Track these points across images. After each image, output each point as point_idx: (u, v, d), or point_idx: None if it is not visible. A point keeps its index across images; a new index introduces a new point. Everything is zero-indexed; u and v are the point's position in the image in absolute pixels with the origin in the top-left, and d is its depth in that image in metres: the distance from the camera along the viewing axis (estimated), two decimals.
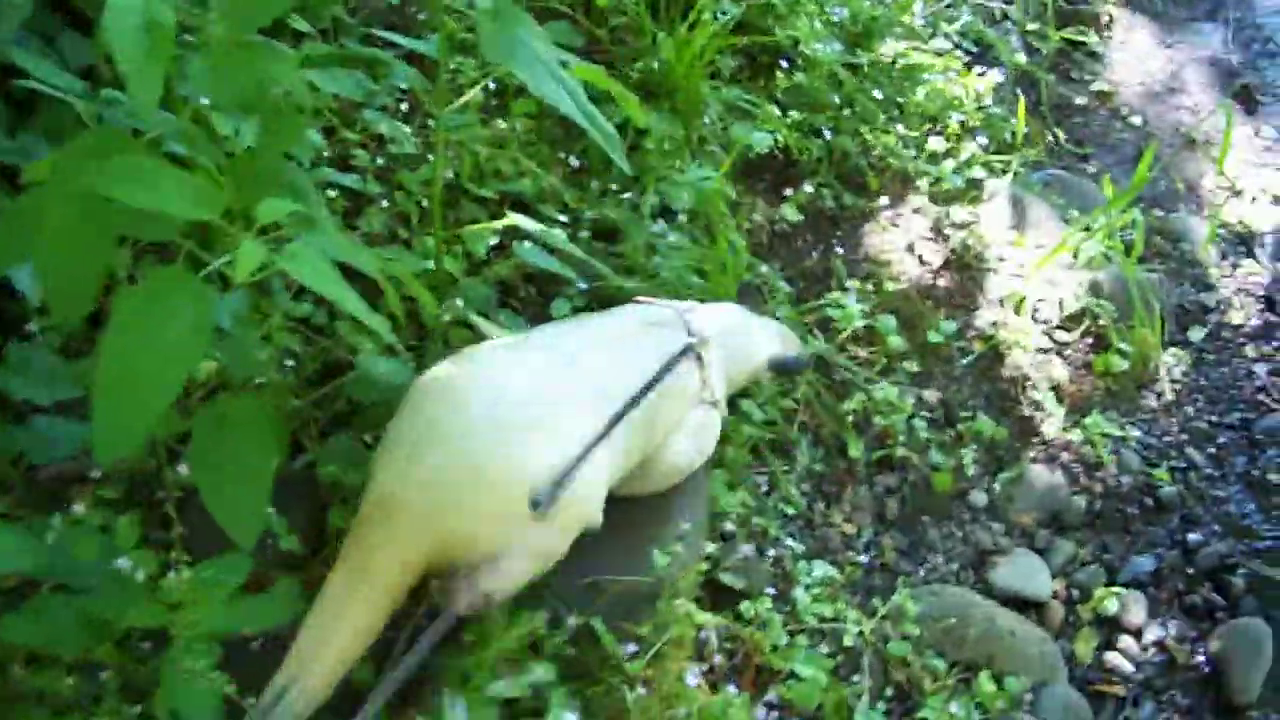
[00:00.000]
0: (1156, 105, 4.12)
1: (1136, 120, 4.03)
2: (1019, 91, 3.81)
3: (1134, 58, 4.32)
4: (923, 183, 3.18)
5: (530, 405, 1.63)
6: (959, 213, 3.20)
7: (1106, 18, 4.38)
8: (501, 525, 1.58)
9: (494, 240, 2.28)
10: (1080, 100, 4.01)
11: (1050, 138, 3.79)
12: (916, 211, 3.20)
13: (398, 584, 1.53)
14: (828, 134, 3.00)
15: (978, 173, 3.24)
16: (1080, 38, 4.17)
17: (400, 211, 2.30)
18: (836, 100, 3.02)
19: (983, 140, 3.33)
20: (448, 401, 1.62)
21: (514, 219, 2.05)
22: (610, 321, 1.96)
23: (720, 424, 2.06)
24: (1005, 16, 4.00)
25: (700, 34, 2.71)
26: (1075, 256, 3.08)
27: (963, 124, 3.27)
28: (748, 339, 2.18)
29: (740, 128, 2.79)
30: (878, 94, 3.00)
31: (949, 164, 3.18)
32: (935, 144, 3.17)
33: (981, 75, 3.50)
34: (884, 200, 3.09)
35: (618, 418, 1.71)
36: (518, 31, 1.61)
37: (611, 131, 1.81)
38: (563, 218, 2.44)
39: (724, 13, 2.82)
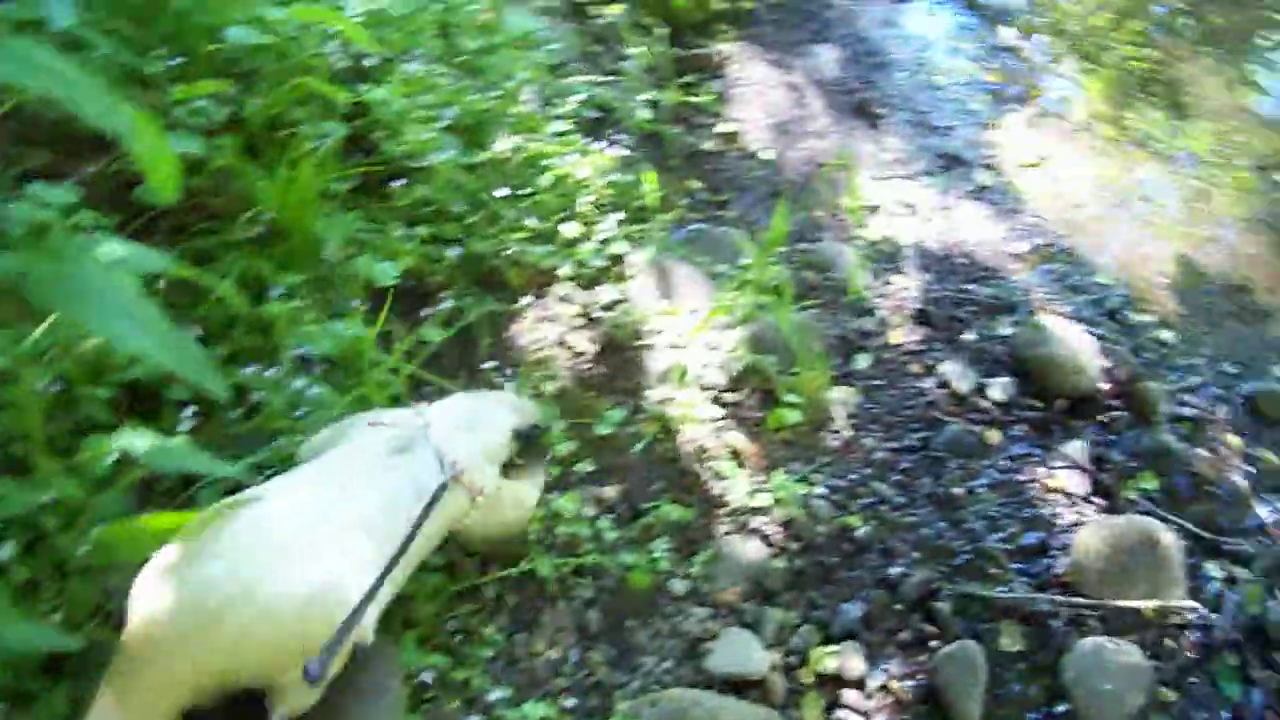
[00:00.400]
0: (784, 136, 4.66)
1: (768, 155, 4.53)
2: (647, 153, 4.18)
3: (755, 91, 4.86)
4: (564, 270, 3.45)
5: (298, 534, 1.93)
6: (606, 293, 3.48)
7: (721, 57, 4.87)
8: (270, 651, 1.83)
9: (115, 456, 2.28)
10: (709, 145, 4.45)
11: (686, 193, 4.17)
12: (563, 300, 3.45)
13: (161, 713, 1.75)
14: (458, 247, 3.19)
15: (619, 248, 3.54)
16: (699, 82, 4.64)
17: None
18: (462, 206, 3.23)
19: (619, 215, 3.64)
20: (214, 533, 1.89)
21: (127, 438, 2.07)
22: (358, 452, 2.30)
23: (522, 492, 2.73)
24: (618, 74, 4.39)
25: (304, 170, 2.83)
26: (729, 314, 3.42)
27: (594, 202, 3.55)
28: (490, 423, 2.63)
29: (364, 260, 2.93)
30: (503, 191, 3.23)
31: (587, 246, 3.46)
32: (570, 229, 3.44)
33: (605, 147, 3.84)
34: (527, 298, 3.31)
35: (387, 569, 2.08)
36: (80, 269, 1.61)
37: (198, 357, 1.87)
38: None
39: (325, 136, 2.95)
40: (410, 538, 2.18)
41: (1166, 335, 4.45)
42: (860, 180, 4.50)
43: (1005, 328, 4.21)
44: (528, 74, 3.63)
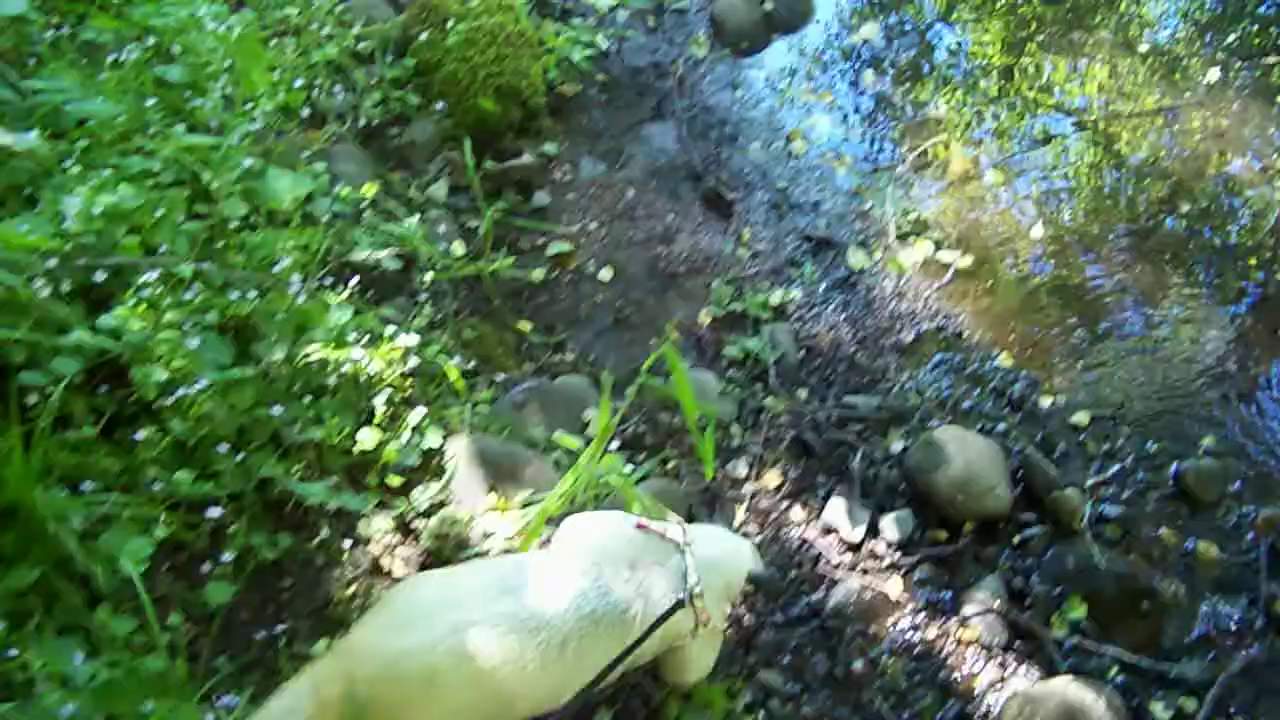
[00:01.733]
0: (624, 248, 4.49)
1: (606, 275, 4.29)
2: (465, 299, 3.93)
3: (588, 196, 4.64)
4: (370, 480, 3.16)
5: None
6: (424, 495, 3.20)
7: (545, 161, 4.63)
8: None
9: None
10: (538, 274, 4.22)
11: (516, 341, 3.92)
12: (380, 508, 3.16)
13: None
14: (236, 480, 2.91)
15: (432, 439, 3.26)
16: (523, 197, 4.40)
17: None
18: (235, 429, 2.94)
19: (424, 404, 3.38)
20: (414, 602, 2.50)
21: None
22: (612, 556, 2.74)
23: (718, 643, 3.03)
24: (425, 205, 4.12)
25: (12, 436, 2.52)
26: (571, 501, 3.16)
27: (393, 395, 3.28)
28: (735, 565, 2.96)
29: (112, 536, 2.63)
30: (278, 410, 2.94)
31: (394, 446, 3.17)
32: (367, 436, 3.15)
33: (409, 310, 3.57)
34: (325, 531, 3.01)
35: (615, 661, 2.57)
36: None
37: None
38: None
39: (56, 381, 2.64)
40: (640, 639, 2.61)
41: (1079, 418, 4.30)
42: (717, 287, 4.27)
43: (897, 442, 4.00)
44: (294, 255, 3.32)
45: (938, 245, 4.87)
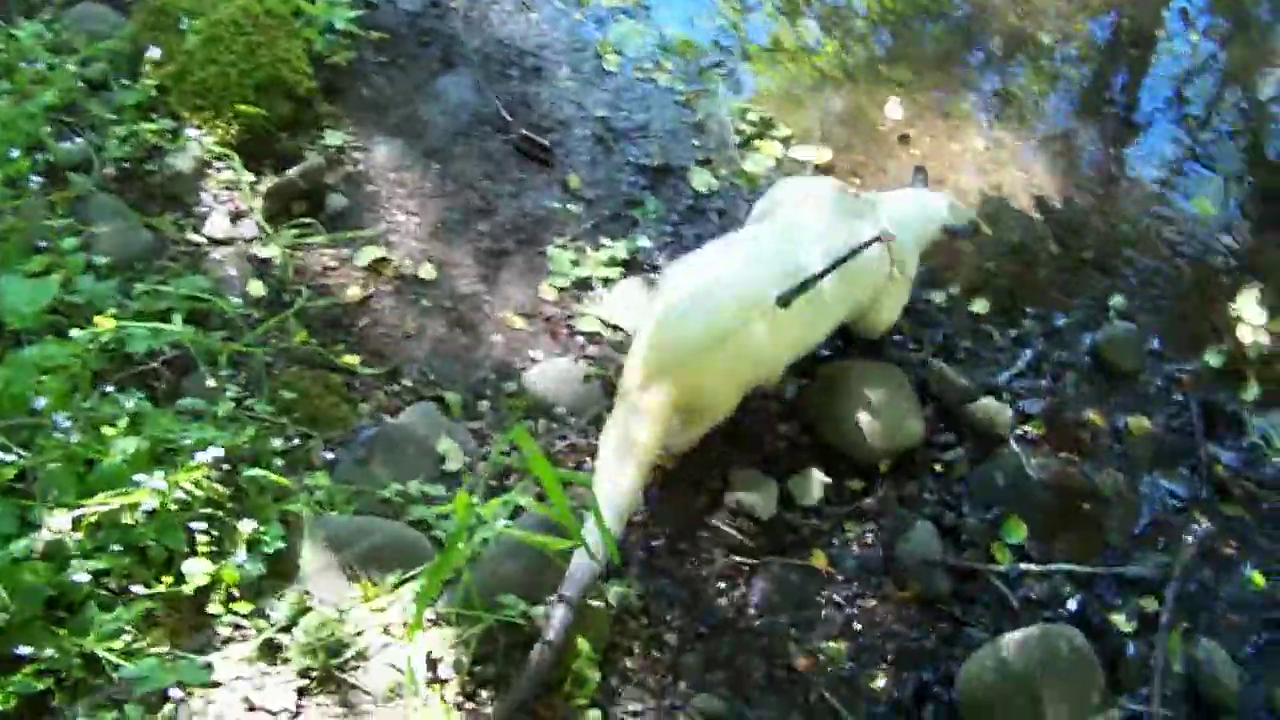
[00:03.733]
0: (442, 230, 4.37)
1: (428, 272, 4.18)
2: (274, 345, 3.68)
3: (390, 183, 4.48)
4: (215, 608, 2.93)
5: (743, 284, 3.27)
6: (281, 608, 3.01)
7: (333, 156, 4.27)
8: (719, 378, 3.24)
9: None
10: (354, 292, 4.05)
11: (343, 380, 3.66)
12: (231, 643, 2.93)
13: (658, 435, 3.15)
14: None
15: (275, 542, 3.01)
16: (317, 204, 4.09)
17: None
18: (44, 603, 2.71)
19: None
20: (677, 290, 3.28)
21: None
22: (816, 212, 3.53)
23: (908, 290, 3.81)
24: (204, 245, 3.78)
25: None
26: (458, 571, 2.93)
27: (214, 515, 3.01)
28: (928, 215, 3.84)
29: None
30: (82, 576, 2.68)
31: (231, 567, 2.93)
32: (196, 568, 2.89)
33: (200, 442, 3.26)
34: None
35: (832, 266, 3.31)
36: None
37: None
38: None
39: None
40: (841, 260, 3.35)
41: (978, 305, 4.15)
42: (554, 253, 4.00)
43: (789, 388, 3.81)
44: (54, 385, 2.98)
45: (787, 143, 4.61)
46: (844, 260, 3.34)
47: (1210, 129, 5.06)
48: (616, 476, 3.08)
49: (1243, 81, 5.37)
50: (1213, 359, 4.25)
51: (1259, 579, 3.78)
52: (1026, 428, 3.97)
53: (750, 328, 3.22)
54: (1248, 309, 4.33)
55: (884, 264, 3.57)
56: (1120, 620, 3.57)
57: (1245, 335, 4.30)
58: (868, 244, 3.38)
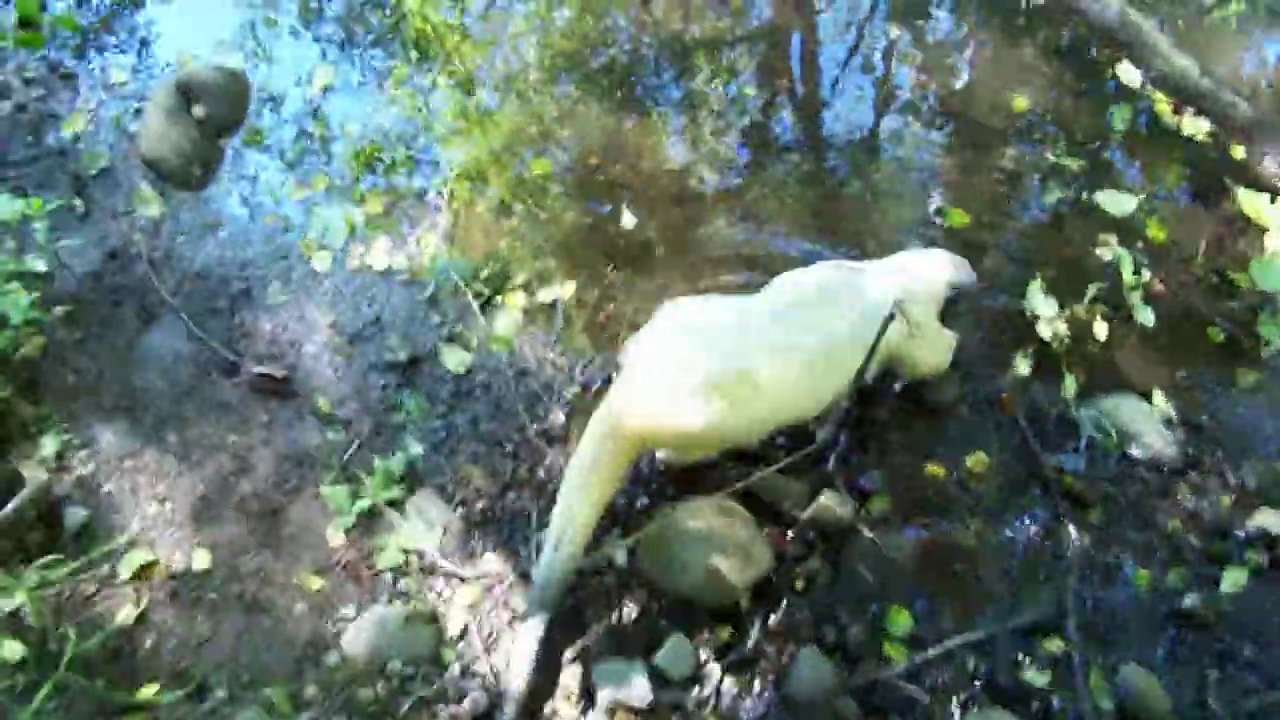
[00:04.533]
0: (204, 508, 3.96)
1: (201, 561, 3.80)
2: None
3: (127, 474, 4.02)
4: None
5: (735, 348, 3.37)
6: None
7: (49, 466, 3.84)
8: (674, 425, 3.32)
9: None
10: (126, 610, 3.65)
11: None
12: None
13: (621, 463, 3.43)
14: None
15: None
16: (52, 533, 3.71)
17: None
18: None
19: None
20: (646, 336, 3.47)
21: None
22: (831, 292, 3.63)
23: (943, 338, 4.00)
24: None
25: None
26: None
27: None
28: (931, 275, 3.94)
29: None
30: None
31: None
32: None
33: None
34: None
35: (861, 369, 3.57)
36: None
37: None
38: None
39: None
40: (874, 345, 3.44)
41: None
42: (329, 493, 3.69)
43: (619, 552, 3.60)
44: None
45: (530, 289, 4.39)
46: (878, 338, 3.46)
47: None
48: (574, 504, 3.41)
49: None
50: (1022, 365, 4.18)
51: (1143, 576, 3.74)
52: (871, 507, 3.79)
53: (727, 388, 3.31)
54: (1037, 301, 4.27)
55: (900, 329, 3.69)
56: (1034, 675, 3.48)
57: (1044, 330, 4.24)
58: (886, 323, 3.43)
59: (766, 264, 4.40)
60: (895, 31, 5.65)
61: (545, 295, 4.42)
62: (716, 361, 3.31)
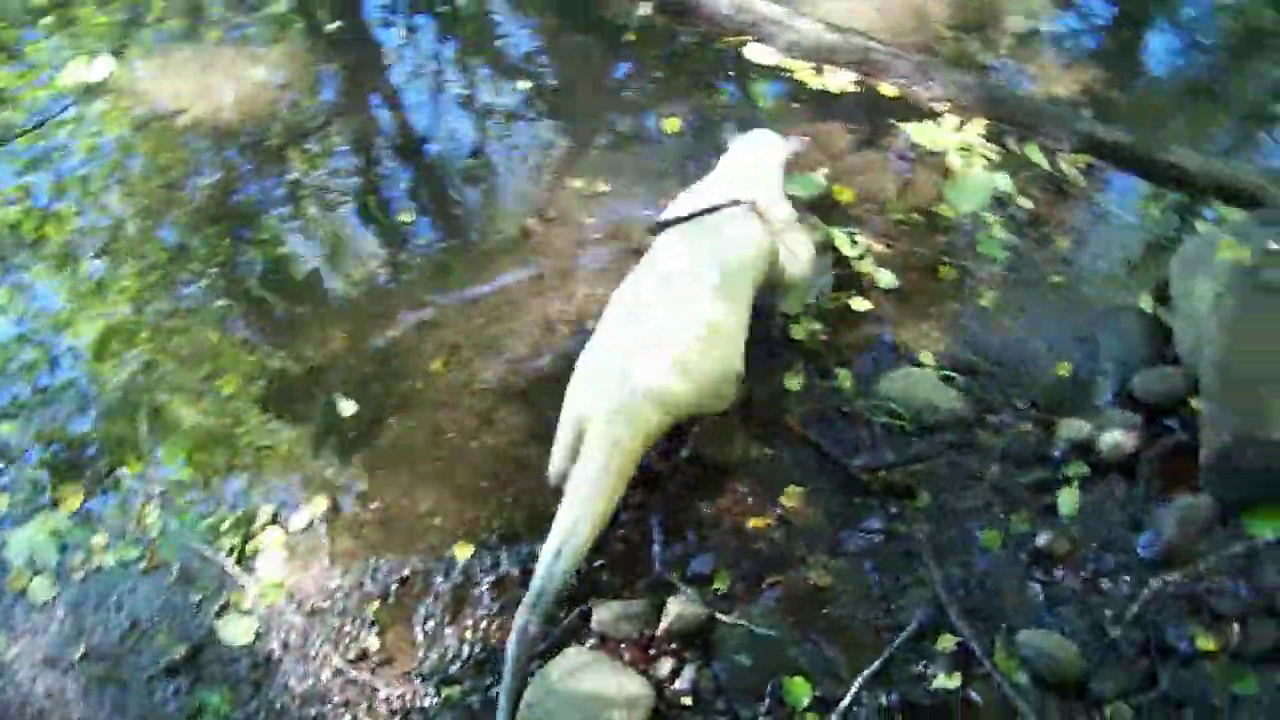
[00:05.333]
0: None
1: None
2: None
3: None
4: None
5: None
6: None
7: None
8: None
9: None
10: None
11: None
12: None
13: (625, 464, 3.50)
14: None
15: None
16: None
17: None
18: None
19: None
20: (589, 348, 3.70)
21: None
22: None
23: (805, 236, 4.29)
24: None
25: None
26: None
27: None
28: (761, 169, 4.28)
29: None
30: None
31: None
32: None
33: None
34: None
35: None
36: None
37: None
38: None
39: None
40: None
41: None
42: None
43: None
44: None
45: (280, 518, 4.11)
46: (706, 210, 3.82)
47: None
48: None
49: None
50: (793, 382, 4.17)
51: (991, 536, 3.80)
52: (715, 589, 3.73)
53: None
54: (779, 307, 4.28)
55: (759, 230, 3.93)
56: (943, 681, 3.47)
57: (799, 334, 4.36)
58: (727, 205, 3.79)
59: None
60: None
61: (299, 520, 4.11)
62: (680, 322, 3.56)
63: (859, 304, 4.41)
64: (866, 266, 4.46)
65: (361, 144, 5.58)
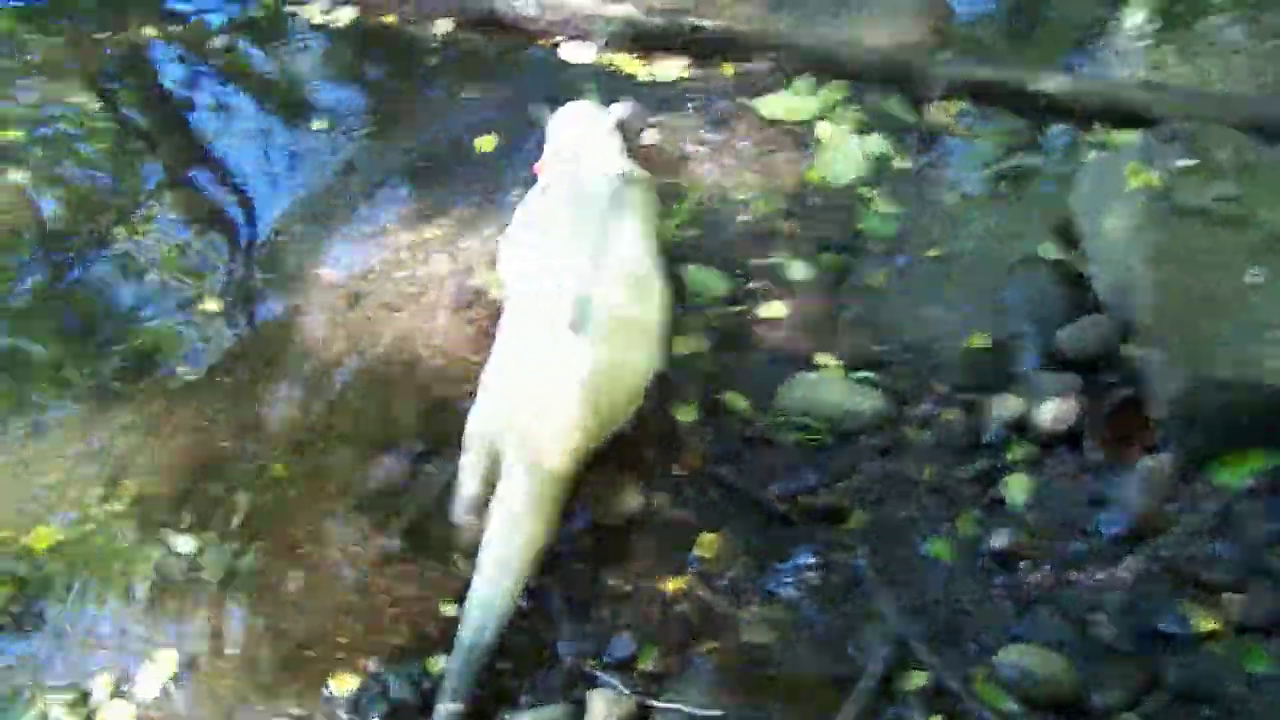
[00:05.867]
0: None
1: None
2: None
3: None
4: None
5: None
6: None
7: None
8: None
9: None
10: None
11: None
12: None
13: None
14: None
15: None
16: None
17: None
18: None
19: None
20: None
21: None
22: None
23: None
24: None
25: None
26: None
27: None
28: (601, 135, 4.26)
29: None
30: None
31: None
32: None
33: None
34: None
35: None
36: None
37: None
38: None
39: None
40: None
41: None
42: None
43: None
44: None
45: (124, 692, 3.45)
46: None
47: None
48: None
49: None
50: (687, 414, 3.74)
51: (940, 546, 3.42)
52: (643, 669, 3.24)
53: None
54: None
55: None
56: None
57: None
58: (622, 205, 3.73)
59: None
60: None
61: (146, 687, 3.51)
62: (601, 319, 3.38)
63: (766, 310, 4.06)
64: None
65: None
